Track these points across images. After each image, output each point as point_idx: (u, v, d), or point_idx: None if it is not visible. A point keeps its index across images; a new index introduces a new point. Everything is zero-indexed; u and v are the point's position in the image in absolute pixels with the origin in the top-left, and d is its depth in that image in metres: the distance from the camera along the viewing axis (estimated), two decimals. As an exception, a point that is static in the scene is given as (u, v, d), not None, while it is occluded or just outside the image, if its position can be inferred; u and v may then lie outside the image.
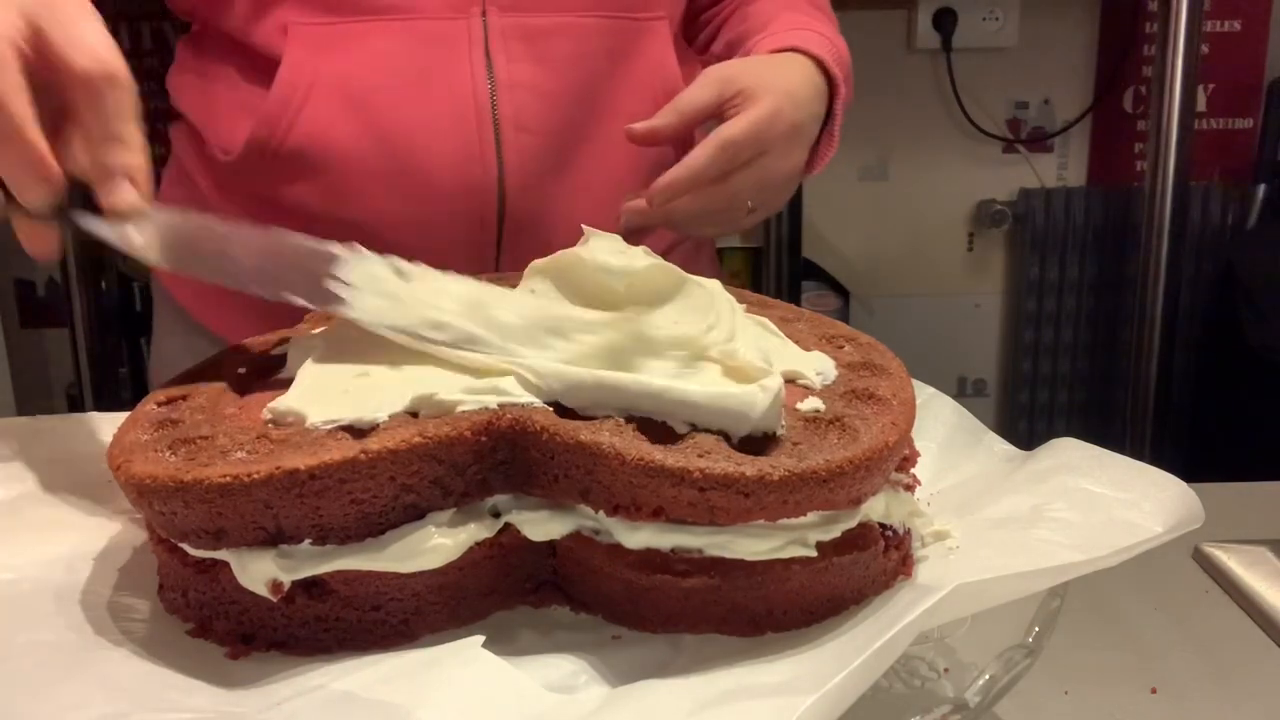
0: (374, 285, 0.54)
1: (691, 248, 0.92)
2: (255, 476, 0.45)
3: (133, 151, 0.53)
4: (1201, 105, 2.18)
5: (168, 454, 0.48)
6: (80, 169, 0.52)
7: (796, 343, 0.58)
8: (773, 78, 0.76)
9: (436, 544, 0.48)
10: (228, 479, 0.45)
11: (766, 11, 0.87)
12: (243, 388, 0.55)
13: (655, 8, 0.84)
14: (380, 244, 0.57)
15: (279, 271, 0.55)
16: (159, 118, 0.86)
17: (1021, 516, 0.53)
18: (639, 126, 0.74)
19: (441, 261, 0.59)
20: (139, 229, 0.53)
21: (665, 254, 0.88)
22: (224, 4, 0.80)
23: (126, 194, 0.52)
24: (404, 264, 0.56)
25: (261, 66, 0.78)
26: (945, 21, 2.14)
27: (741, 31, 0.87)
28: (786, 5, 0.87)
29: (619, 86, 0.82)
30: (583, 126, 0.81)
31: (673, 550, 0.48)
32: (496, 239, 0.80)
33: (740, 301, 0.59)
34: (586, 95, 0.81)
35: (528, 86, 0.78)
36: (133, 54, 0.90)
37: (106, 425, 0.64)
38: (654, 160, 0.81)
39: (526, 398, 0.48)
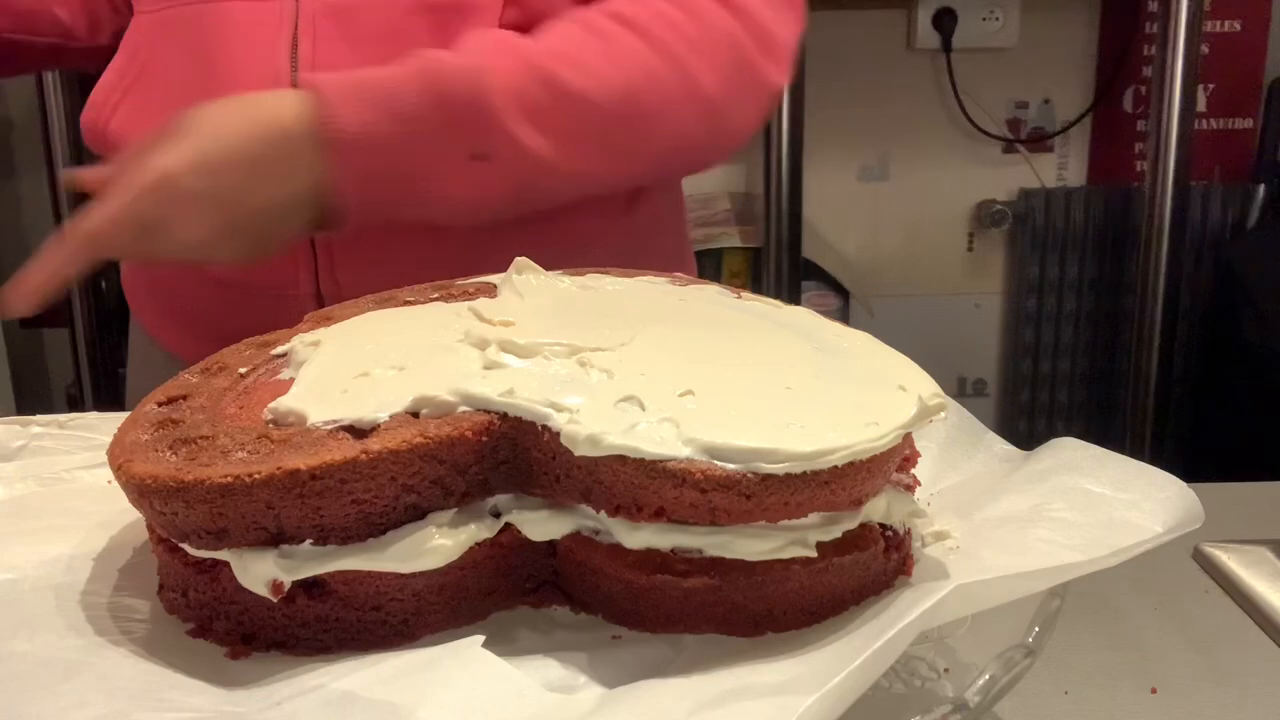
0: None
1: (667, 248, 0.92)
2: (256, 477, 0.45)
3: None
4: (1201, 105, 2.18)
5: (168, 454, 0.48)
6: None
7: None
8: None
9: (437, 544, 0.48)
10: (229, 479, 0.45)
11: None
12: (243, 388, 0.55)
13: None
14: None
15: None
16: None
17: (1021, 516, 0.52)
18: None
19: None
20: None
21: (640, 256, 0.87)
22: None
23: None
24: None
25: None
26: (945, 21, 2.14)
27: None
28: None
29: None
30: None
31: (673, 550, 0.48)
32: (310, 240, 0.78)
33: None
34: None
35: (334, 68, 0.72)
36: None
37: (106, 425, 0.64)
38: None
39: (526, 399, 0.48)
